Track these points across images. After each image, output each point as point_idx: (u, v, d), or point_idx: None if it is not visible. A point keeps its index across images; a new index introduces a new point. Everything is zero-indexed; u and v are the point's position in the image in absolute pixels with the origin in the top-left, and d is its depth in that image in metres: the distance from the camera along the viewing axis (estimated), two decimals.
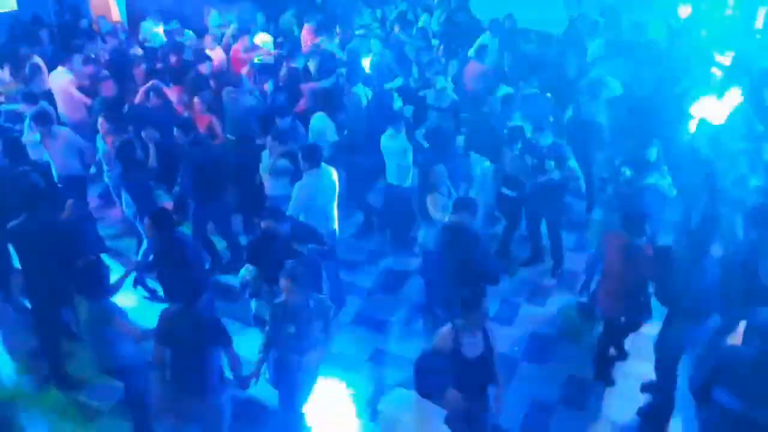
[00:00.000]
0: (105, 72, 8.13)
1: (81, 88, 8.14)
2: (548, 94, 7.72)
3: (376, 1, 13.06)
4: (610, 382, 5.16)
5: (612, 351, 5.29)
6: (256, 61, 8.91)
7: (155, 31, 11.20)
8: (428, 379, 3.48)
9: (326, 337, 4.29)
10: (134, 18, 12.52)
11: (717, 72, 8.08)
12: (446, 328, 3.92)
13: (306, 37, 10.44)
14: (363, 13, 12.68)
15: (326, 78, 7.97)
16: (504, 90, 7.69)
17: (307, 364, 4.26)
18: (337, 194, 5.73)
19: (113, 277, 4.51)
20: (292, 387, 4.40)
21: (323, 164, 5.64)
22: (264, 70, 8.45)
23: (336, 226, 5.78)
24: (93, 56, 9.02)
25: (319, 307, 4.25)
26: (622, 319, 5.05)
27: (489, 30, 10.14)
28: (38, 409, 4.97)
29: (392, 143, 6.49)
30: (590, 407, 4.97)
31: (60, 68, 8.26)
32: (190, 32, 11.02)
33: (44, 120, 6.55)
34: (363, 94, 7.63)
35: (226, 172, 6.48)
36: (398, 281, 6.58)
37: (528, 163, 6.17)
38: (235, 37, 10.32)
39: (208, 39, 9.91)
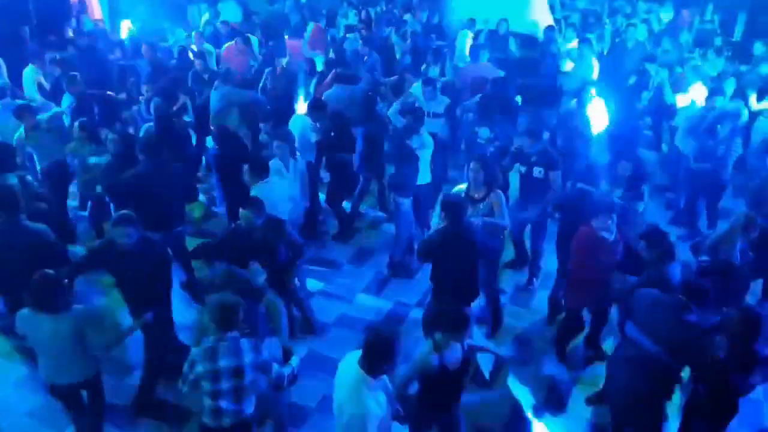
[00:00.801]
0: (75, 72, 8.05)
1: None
2: (518, 98, 7.75)
3: (361, 2, 13.07)
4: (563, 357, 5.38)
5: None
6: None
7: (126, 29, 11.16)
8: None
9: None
10: (116, 16, 12.42)
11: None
12: (427, 348, 3.70)
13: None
14: (348, 14, 12.70)
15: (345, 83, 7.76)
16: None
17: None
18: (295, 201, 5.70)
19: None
20: None
21: (276, 178, 5.60)
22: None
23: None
24: (60, 57, 8.95)
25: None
26: (586, 309, 5.19)
27: (467, 28, 10.20)
28: (14, 413, 4.86)
29: (420, 141, 6.42)
30: (573, 410, 4.97)
31: (30, 65, 8.32)
32: (182, 31, 10.96)
33: (28, 111, 6.55)
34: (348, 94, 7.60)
35: None
36: (383, 282, 6.56)
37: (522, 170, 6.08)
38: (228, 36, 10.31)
39: (197, 37, 9.88)
